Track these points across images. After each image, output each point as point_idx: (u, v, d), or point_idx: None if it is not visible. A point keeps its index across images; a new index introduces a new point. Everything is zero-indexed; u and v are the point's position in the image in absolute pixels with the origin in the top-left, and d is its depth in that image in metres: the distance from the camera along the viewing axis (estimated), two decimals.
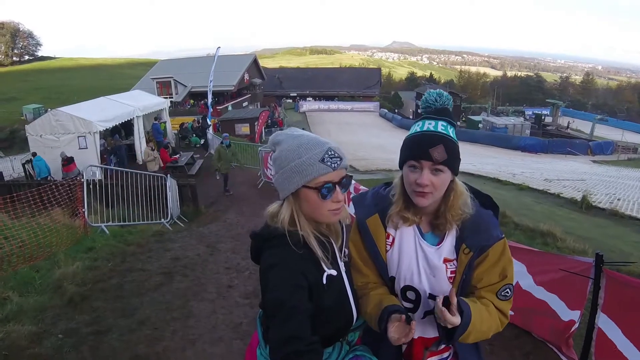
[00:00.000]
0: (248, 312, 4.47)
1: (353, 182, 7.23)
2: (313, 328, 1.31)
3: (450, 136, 1.49)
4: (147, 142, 14.16)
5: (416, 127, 1.54)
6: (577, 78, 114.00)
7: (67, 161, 13.73)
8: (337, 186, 1.41)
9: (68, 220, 7.07)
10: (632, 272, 4.65)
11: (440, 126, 1.49)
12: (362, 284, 1.66)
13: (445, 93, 1.56)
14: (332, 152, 1.41)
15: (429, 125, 1.50)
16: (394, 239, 1.63)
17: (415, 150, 1.48)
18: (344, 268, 1.55)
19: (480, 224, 1.54)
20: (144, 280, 5.18)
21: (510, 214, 8.07)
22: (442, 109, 1.53)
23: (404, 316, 1.44)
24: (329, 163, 1.39)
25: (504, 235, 1.56)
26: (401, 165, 1.56)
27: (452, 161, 1.47)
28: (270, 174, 12.91)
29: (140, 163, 16.39)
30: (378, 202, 1.66)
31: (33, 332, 3.69)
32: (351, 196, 1.70)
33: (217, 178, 13.90)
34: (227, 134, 14.69)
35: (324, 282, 1.42)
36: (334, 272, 1.45)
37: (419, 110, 1.63)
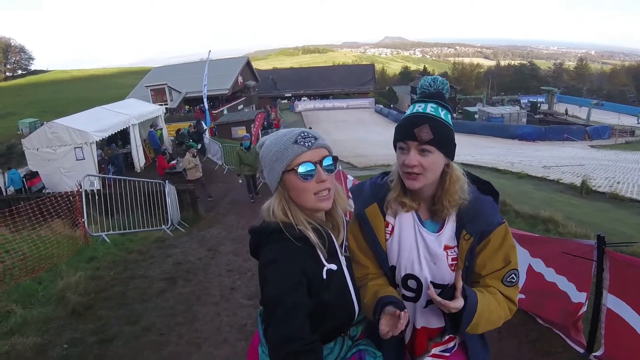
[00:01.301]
0: (252, 313, 4.47)
1: (351, 178, 7.23)
2: (314, 324, 1.31)
3: (439, 117, 1.48)
4: (189, 147, 13.62)
5: (407, 112, 1.55)
6: (571, 64, 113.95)
7: (31, 175, 14.57)
8: (317, 165, 1.41)
9: (68, 231, 7.06)
10: (635, 253, 4.64)
11: (430, 108, 1.49)
12: (361, 275, 1.65)
13: (440, 78, 1.57)
14: (305, 133, 1.43)
15: (418, 107, 1.51)
16: (393, 228, 1.62)
17: (402, 132, 1.49)
18: (345, 262, 1.53)
19: (480, 209, 1.52)
20: (147, 287, 5.19)
21: (511, 201, 8.06)
22: (435, 93, 1.54)
23: (398, 311, 1.40)
24: (302, 143, 1.40)
25: (504, 220, 1.54)
26: (395, 150, 1.57)
27: (441, 142, 1.46)
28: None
29: (139, 171, 16.38)
30: (376, 192, 1.66)
31: (38, 344, 3.69)
32: (349, 187, 1.69)
33: (240, 182, 13.16)
34: (248, 135, 13.21)
35: (324, 276, 1.41)
36: (333, 267, 1.44)
37: (415, 97, 1.63)
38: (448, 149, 1.50)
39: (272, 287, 1.33)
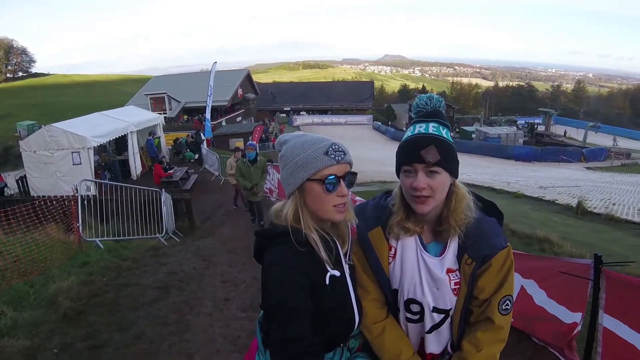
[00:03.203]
0: (246, 325, 4.43)
1: (350, 192, 7.33)
2: (313, 330, 1.30)
3: (442, 137, 1.47)
4: (236, 150, 10.89)
5: (408, 133, 1.53)
6: (569, 86, 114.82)
7: None
8: (341, 180, 1.42)
9: (63, 236, 7.00)
10: (631, 273, 4.63)
11: (432, 128, 1.47)
12: (364, 300, 1.62)
13: (435, 96, 1.56)
14: (336, 147, 1.44)
15: (419, 128, 1.49)
16: (396, 251, 1.59)
17: (407, 155, 1.46)
18: (348, 271, 1.53)
19: (483, 232, 1.50)
20: (139, 295, 5.14)
21: (506, 221, 7.95)
22: (433, 111, 1.52)
23: None
24: (332, 156, 1.41)
25: (508, 244, 1.52)
26: (398, 174, 1.54)
27: (447, 162, 1.45)
28: (266, 188, 12.77)
29: (135, 179, 16.32)
30: (380, 214, 1.63)
31: (27, 347, 3.64)
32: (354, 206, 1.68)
33: (242, 207, 10.88)
34: (254, 143, 9.45)
35: (327, 282, 1.41)
36: (337, 273, 1.44)
37: (411, 115, 1.62)
38: (454, 168, 1.49)
39: (275, 289, 1.33)
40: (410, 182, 1.44)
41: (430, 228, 1.58)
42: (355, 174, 1.49)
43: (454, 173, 1.49)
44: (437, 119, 1.50)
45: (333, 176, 1.40)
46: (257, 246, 1.50)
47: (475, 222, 1.51)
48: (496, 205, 1.61)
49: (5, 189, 15.45)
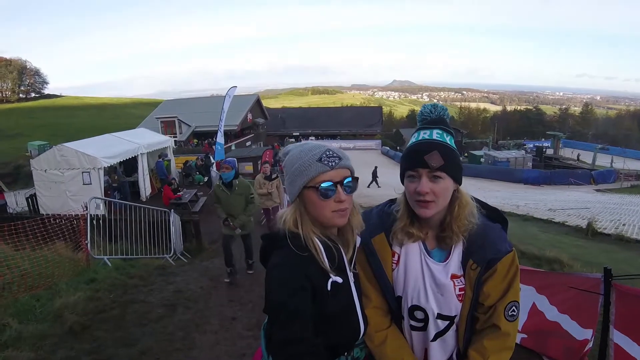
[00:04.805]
0: (252, 344, 4.40)
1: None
2: (314, 333, 1.30)
3: (446, 143, 1.48)
4: (264, 164, 9.75)
5: (412, 139, 1.55)
6: (577, 109, 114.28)
7: None
8: (338, 185, 1.41)
9: (71, 253, 7.03)
10: None
11: (435, 134, 1.49)
12: (371, 313, 1.61)
13: (440, 104, 1.59)
14: (330, 152, 1.44)
15: (423, 134, 1.51)
16: (399, 257, 1.59)
17: (411, 160, 1.48)
18: (352, 279, 1.52)
19: (487, 237, 1.50)
20: (146, 312, 5.14)
21: (516, 242, 7.96)
22: (437, 119, 1.54)
23: None
24: (326, 162, 1.41)
25: (513, 248, 1.52)
26: (402, 180, 1.55)
27: (450, 167, 1.45)
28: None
29: (144, 200, 16.39)
30: (384, 221, 1.63)
31: (32, 359, 3.63)
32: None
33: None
34: (232, 160, 6.94)
35: (328, 288, 1.40)
36: (339, 280, 1.43)
37: (418, 124, 1.64)
38: (457, 174, 1.49)
39: (276, 291, 1.34)
40: (414, 186, 1.45)
41: (434, 234, 1.58)
42: (356, 178, 1.48)
43: (457, 179, 1.50)
44: (441, 126, 1.51)
45: (328, 182, 1.40)
46: (263, 249, 1.52)
47: (479, 227, 1.51)
48: (499, 211, 1.61)
49: (7, 207, 15.54)
